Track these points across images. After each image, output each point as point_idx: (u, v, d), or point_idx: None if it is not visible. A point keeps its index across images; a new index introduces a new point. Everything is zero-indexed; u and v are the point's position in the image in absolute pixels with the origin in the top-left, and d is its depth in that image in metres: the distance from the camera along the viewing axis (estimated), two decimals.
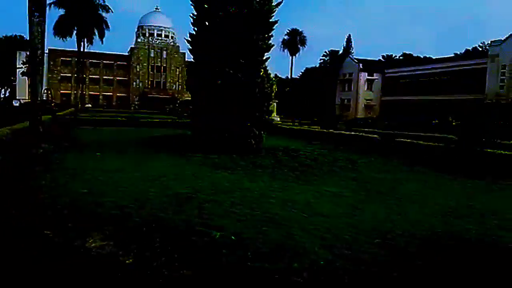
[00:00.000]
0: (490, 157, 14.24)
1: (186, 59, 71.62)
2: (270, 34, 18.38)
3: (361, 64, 70.51)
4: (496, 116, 32.18)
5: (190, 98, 21.10)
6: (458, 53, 76.94)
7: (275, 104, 41.37)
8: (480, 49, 73.51)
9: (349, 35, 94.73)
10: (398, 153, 17.44)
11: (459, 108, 45.21)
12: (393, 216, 7.77)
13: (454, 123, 33.39)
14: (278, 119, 43.32)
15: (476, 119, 22.51)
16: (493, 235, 6.78)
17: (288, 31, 70.99)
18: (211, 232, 6.03)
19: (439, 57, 65.51)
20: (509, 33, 47.18)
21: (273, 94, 19.43)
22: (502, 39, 48.12)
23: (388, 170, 14.36)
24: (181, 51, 78.38)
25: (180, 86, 76.92)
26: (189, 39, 18.75)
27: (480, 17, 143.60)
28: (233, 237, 5.86)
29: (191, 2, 18.45)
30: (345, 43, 76.96)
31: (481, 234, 6.76)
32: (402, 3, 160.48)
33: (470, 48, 79.09)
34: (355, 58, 72.95)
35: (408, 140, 18.55)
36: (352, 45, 76.87)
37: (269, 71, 19.27)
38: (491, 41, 51.81)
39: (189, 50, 19.27)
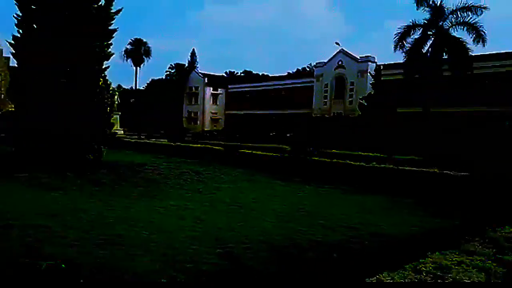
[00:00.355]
0: (316, 165, 16.26)
1: (10, 65, 62.26)
2: (109, 42, 17.45)
3: (206, 79, 72.70)
4: (321, 128, 36.91)
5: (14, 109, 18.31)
6: (291, 72, 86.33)
7: (117, 116, 39.36)
8: (308, 69, 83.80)
9: (193, 49, 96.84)
10: (241, 163, 18.48)
11: (293, 121, 50.50)
12: (234, 225, 8.12)
13: (288, 135, 37.11)
14: (122, 132, 41.35)
15: (304, 131, 25.53)
16: (320, 234, 7.67)
17: (131, 41, 68.33)
18: (35, 262, 5.28)
19: (275, 75, 72.40)
20: (331, 56, 54.96)
21: (115, 105, 18.51)
22: (325, 61, 55.77)
23: (231, 180, 15.05)
24: (5, 55, 67.82)
25: (2, 95, 66.35)
26: (13, 42, 16.45)
27: (308, 40, 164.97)
28: (63, 265, 5.24)
29: (15, 1, 16.26)
30: (189, 57, 78.18)
31: (310, 234, 7.58)
32: (243, 22, 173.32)
33: (300, 68, 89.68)
34: (201, 73, 74.81)
35: (249, 151, 19.87)
36: (197, 59, 78.67)
37: (109, 81, 18.29)
38: (316, 63, 59.50)
39: (13, 54, 16.93)
